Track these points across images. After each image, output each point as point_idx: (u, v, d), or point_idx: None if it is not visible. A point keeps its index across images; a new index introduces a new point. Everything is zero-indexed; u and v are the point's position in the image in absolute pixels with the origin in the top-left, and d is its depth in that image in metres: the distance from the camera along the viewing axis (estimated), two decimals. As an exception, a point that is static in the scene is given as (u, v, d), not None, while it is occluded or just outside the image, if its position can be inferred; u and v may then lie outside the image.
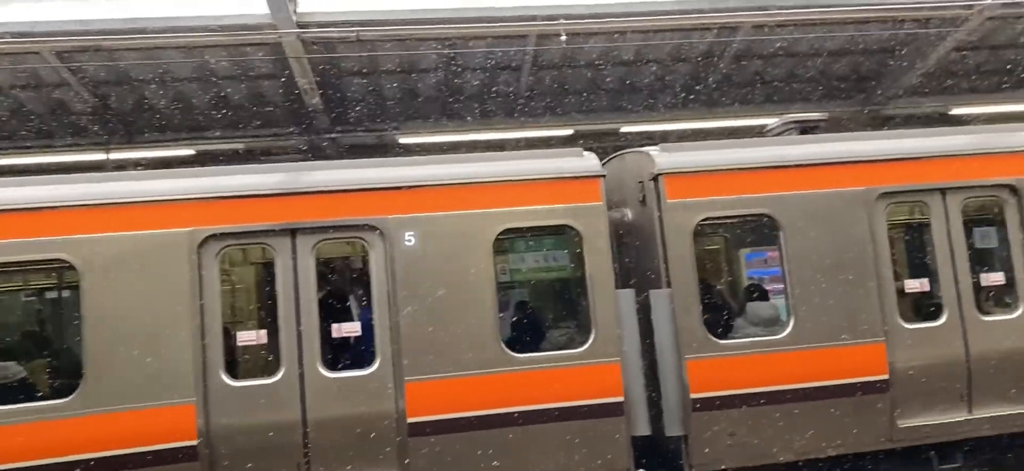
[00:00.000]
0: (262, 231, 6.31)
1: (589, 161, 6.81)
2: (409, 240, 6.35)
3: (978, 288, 7.05)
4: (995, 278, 7.11)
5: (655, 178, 6.75)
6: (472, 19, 11.86)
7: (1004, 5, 12.64)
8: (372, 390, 6.19)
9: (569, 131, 15.27)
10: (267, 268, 6.62)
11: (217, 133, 14.57)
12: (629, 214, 7.23)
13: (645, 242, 6.99)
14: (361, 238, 6.43)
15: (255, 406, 6.06)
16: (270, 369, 6.20)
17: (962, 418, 6.81)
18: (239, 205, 6.28)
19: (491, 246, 6.43)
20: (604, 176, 6.70)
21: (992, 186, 7.10)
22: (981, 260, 7.21)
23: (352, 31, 11.56)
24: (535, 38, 12.48)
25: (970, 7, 12.73)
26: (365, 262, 6.50)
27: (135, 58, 12.12)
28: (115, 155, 14.39)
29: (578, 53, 13.30)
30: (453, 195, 6.49)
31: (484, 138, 15.04)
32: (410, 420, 6.14)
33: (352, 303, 7.24)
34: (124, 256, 6.05)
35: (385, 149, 15.08)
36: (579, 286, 6.69)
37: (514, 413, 6.24)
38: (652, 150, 7.02)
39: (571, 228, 6.60)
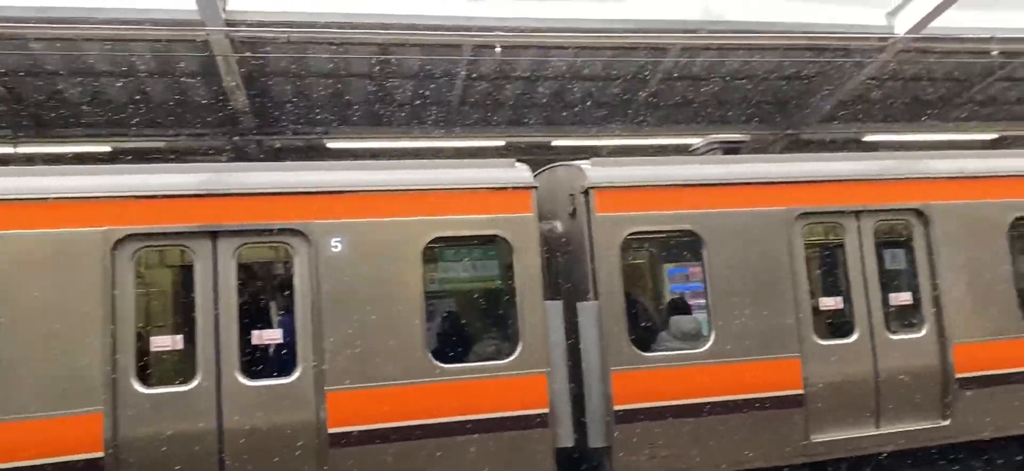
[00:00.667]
0: (181, 233, 6.08)
1: (521, 172, 6.84)
2: (335, 246, 6.22)
3: (887, 307, 7.35)
4: (903, 298, 7.43)
5: (586, 192, 6.82)
6: (406, 27, 11.80)
7: (915, 40, 13.35)
8: (292, 399, 6.02)
9: (501, 142, 15.33)
10: (185, 271, 6.38)
11: (137, 130, 14.04)
12: (559, 226, 7.28)
13: (574, 254, 7.05)
14: (285, 243, 6.27)
15: (168, 415, 5.82)
16: (185, 376, 5.97)
17: (870, 433, 7.07)
18: (157, 205, 6.04)
19: (420, 254, 6.36)
20: (536, 188, 6.74)
21: (902, 210, 7.43)
22: (890, 281, 7.53)
23: (282, 32, 11.35)
24: (470, 48, 12.50)
25: (885, 40, 13.40)
26: (288, 268, 6.34)
27: (51, 49, 11.58)
28: (24, 149, 13.69)
29: (512, 65, 13.39)
30: (382, 201, 6.41)
31: (415, 146, 14.94)
32: (331, 430, 6.00)
33: (274, 309, 7.05)
34: (32, 255, 5.74)
35: (313, 153, 14.81)
36: (508, 297, 6.67)
37: (439, 424, 6.18)
38: (583, 164, 7.10)
39: (502, 239, 6.59)
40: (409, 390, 6.16)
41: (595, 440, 6.60)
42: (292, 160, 13.15)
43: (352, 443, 6.01)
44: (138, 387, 5.80)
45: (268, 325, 6.55)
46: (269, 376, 6.13)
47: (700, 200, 6.98)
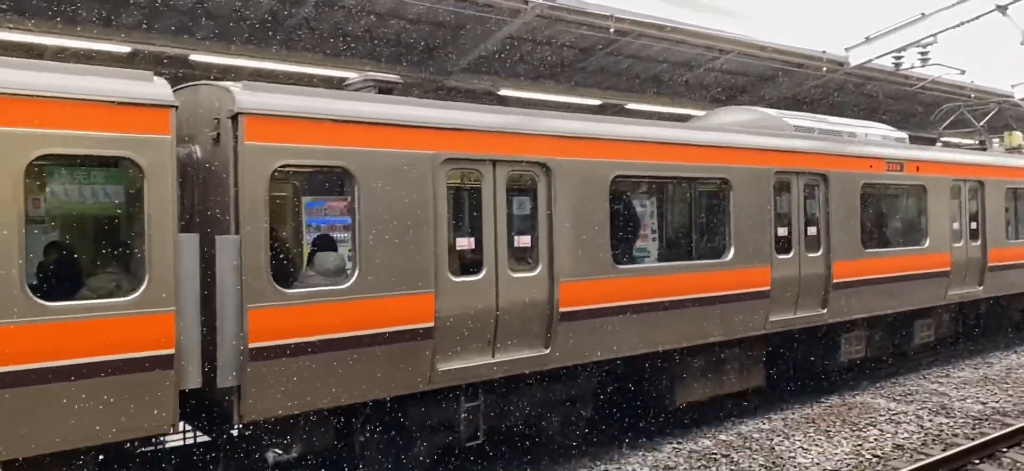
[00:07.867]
0: None
1: (160, 88, 6.12)
2: None
3: (512, 248, 8.12)
4: (525, 241, 8.26)
5: (234, 117, 6.36)
6: None
7: (551, 8, 14.75)
8: None
9: (127, 49, 13.55)
10: None
11: None
12: (198, 152, 6.73)
13: (214, 184, 6.58)
14: None
15: None
16: None
17: (487, 362, 7.82)
18: None
19: (22, 173, 5.40)
20: (177, 107, 6.10)
21: (530, 163, 8.24)
22: (515, 224, 8.34)
23: None
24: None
25: (526, 3, 14.56)
26: None
27: None
28: None
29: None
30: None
31: (16, 40, 12.51)
32: None
33: None
34: None
35: None
36: (135, 227, 6.01)
37: (42, 370, 5.39)
38: (233, 86, 6.60)
39: (131, 161, 5.87)
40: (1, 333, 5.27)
41: (224, 380, 6.31)
42: None
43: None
44: None
45: None
46: None
47: (355, 137, 6.96)
